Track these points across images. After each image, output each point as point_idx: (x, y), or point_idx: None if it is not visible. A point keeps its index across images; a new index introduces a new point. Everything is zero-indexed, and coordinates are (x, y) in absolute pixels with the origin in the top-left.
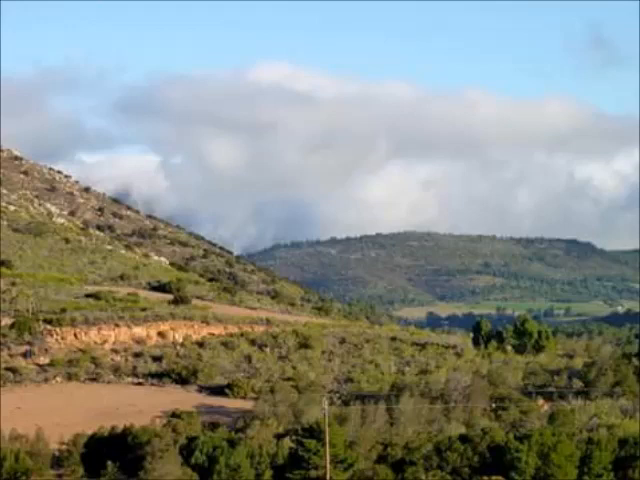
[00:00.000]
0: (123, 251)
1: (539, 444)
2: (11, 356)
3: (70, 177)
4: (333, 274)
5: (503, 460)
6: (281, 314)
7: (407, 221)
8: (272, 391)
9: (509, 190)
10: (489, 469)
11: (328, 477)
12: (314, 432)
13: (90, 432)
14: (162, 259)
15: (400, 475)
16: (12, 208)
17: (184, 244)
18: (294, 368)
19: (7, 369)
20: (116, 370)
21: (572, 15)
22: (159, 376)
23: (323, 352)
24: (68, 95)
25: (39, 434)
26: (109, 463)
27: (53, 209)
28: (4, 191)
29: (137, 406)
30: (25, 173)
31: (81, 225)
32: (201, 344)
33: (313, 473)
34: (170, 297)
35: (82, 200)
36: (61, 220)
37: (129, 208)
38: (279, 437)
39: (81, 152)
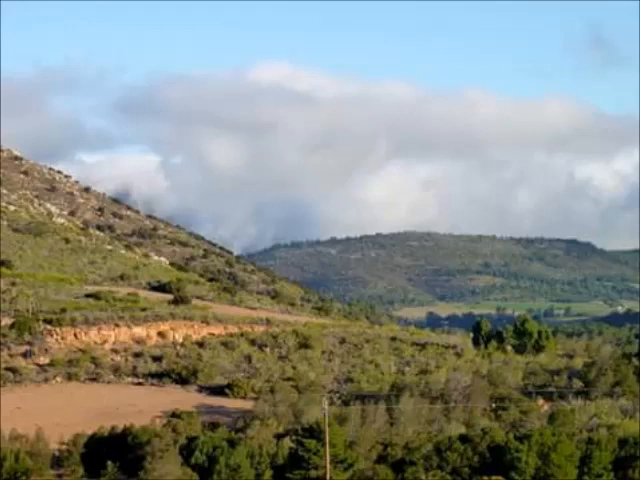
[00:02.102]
0: (123, 251)
1: (539, 444)
2: (11, 356)
3: (70, 177)
4: (333, 274)
5: (503, 460)
6: (281, 314)
7: (407, 221)
8: (272, 391)
9: (509, 190)
10: (489, 469)
11: (328, 477)
12: (314, 432)
13: (90, 432)
14: (162, 259)
15: (400, 475)
16: (12, 208)
17: (184, 244)
18: (294, 368)
19: (7, 369)
20: (116, 370)
21: (572, 15)
22: (159, 376)
23: (323, 352)
24: (68, 95)
25: (39, 434)
26: (109, 463)
27: (53, 209)
28: (4, 191)
29: (137, 406)
30: (25, 173)
31: (81, 225)
32: (201, 344)
33: (313, 473)
34: (170, 297)
35: (82, 200)
36: (61, 220)
37: (129, 208)
38: (279, 437)
39: (81, 152)
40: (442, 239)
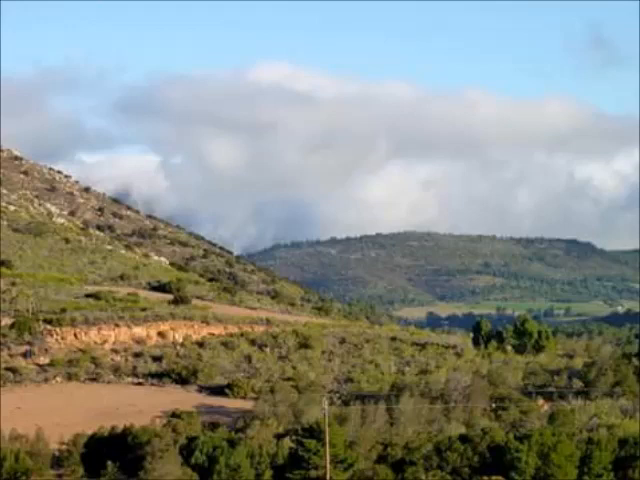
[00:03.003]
0: (123, 251)
1: (539, 444)
2: (11, 356)
3: (70, 177)
4: (333, 274)
5: (503, 460)
6: (281, 314)
7: (407, 221)
8: (272, 391)
9: (509, 190)
10: (489, 469)
11: (328, 477)
12: (314, 432)
13: (90, 432)
14: (162, 259)
15: (400, 475)
16: (12, 208)
17: (184, 244)
18: (294, 368)
19: (7, 369)
20: (116, 370)
21: (572, 15)
22: (159, 376)
23: (323, 352)
24: (68, 95)
25: (39, 434)
26: (109, 463)
27: (53, 209)
28: (4, 191)
29: (137, 406)
30: (25, 173)
31: (81, 225)
32: (201, 344)
33: (313, 473)
34: (170, 297)
35: (82, 200)
36: (61, 220)
37: (129, 208)
38: (279, 437)
39: (81, 152)
40: (442, 239)
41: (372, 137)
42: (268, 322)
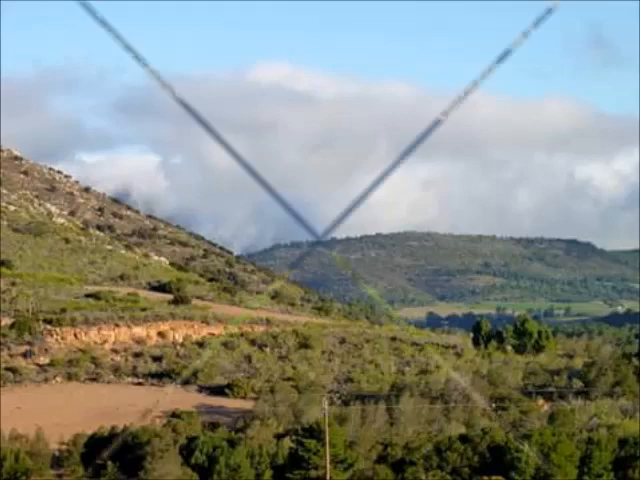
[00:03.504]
0: (123, 251)
1: (539, 444)
2: (11, 356)
3: (70, 177)
4: (333, 274)
5: (503, 460)
6: (281, 314)
7: (407, 221)
8: (272, 391)
9: (509, 190)
10: (489, 469)
11: (328, 477)
12: (314, 432)
13: (90, 432)
14: (162, 259)
15: (400, 475)
16: (12, 208)
17: (184, 244)
18: (294, 368)
19: (7, 369)
20: (116, 370)
21: (572, 15)
22: (159, 376)
23: (323, 352)
24: (68, 95)
25: (39, 434)
26: (109, 463)
27: (53, 209)
28: (4, 191)
29: (137, 406)
30: (25, 173)
31: (81, 225)
32: (201, 344)
33: (313, 473)
34: (170, 297)
35: (82, 200)
36: (61, 220)
37: (129, 208)
38: (279, 437)
39: (81, 152)
40: (442, 239)
41: (372, 137)
42: (268, 322)
